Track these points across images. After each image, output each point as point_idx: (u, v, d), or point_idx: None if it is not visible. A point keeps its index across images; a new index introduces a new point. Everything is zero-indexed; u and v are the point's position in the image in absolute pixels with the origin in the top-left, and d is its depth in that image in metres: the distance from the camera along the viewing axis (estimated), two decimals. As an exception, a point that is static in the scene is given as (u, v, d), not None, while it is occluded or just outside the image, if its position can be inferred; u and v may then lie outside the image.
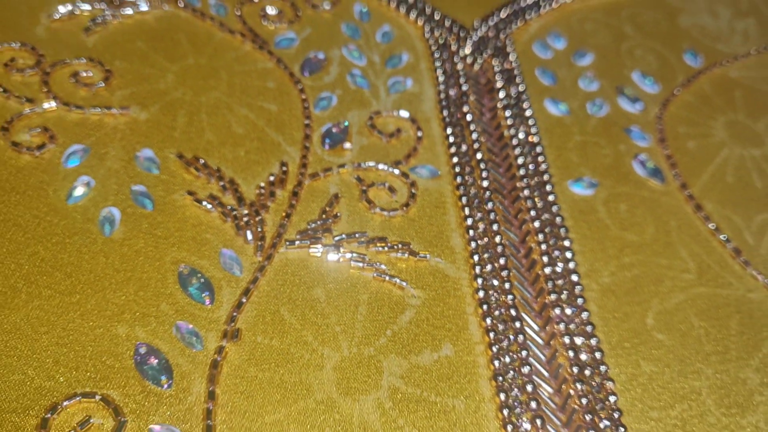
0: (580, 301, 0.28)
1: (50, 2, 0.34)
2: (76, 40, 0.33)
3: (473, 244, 0.29)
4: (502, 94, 0.35)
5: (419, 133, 0.33)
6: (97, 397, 0.23)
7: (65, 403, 0.22)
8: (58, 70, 0.32)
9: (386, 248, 0.28)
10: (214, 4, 0.36)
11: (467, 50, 0.37)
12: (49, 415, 0.22)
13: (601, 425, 0.25)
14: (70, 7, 0.34)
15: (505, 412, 0.24)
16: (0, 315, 0.24)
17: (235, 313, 0.25)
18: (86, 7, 0.34)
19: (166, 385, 0.23)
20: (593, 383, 0.26)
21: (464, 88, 0.35)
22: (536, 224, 0.30)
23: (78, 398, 0.23)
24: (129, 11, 0.35)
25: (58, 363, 0.23)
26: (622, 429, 0.25)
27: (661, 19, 0.42)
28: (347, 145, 0.32)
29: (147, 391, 0.23)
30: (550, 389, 0.25)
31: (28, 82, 0.31)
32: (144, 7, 0.35)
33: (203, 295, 0.25)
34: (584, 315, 0.27)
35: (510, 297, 0.27)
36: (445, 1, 0.39)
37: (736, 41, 0.42)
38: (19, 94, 0.30)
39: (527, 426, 0.24)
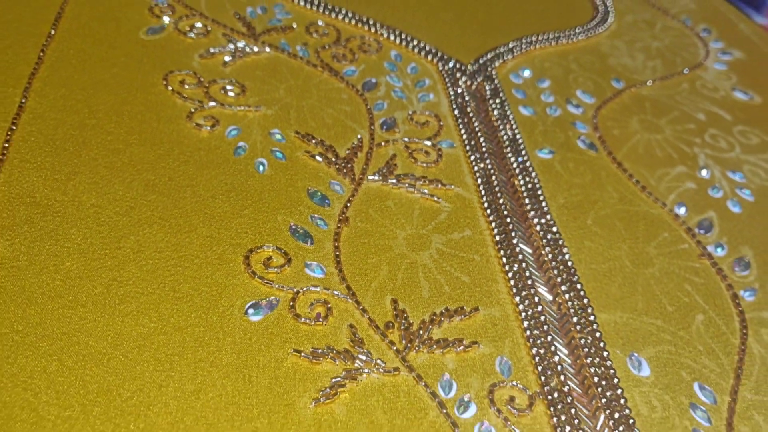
0: (545, 209, 0.46)
1: (199, 47, 0.53)
2: (218, 69, 0.52)
3: (479, 181, 0.48)
4: (491, 103, 0.55)
5: (440, 123, 0.52)
6: (272, 247, 0.41)
7: (257, 249, 0.40)
8: (212, 86, 0.50)
9: (426, 182, 0.47)
10: (300, 49, 0.56)
11: (467, 77, 0.57)
12: (248, 253, 0.40)
13: (561, 267, 0.43)
14: (212, 50, 0.53)
15: (504, 260, 0.43)
16: (208, 210, 0.42)
17: (344, 211, 0.44)
18: (221, 49, 0.53)
19: (309, 243, 0.41)
20: (555, 249, 0.44)
21: (467, 98, 0.54)
22: (516, 171, 0.49)
23: (264, 247, 0.40)
24: (249, 51, 0.54)
25: (247, 233, 0.41)
26: (574, 269, 0.43)
27: (596, 60, 0.63)
28: (397, 129, 0.51)
29: (299, 247, 0.41)
30: (529, 250, 0.44)
31: (195, 92, 0.50)
32: (256, 50, 0.54)
33: (324, 202, 0.44)
34: (548, 217, 0.46)
35: (503, 206, 0.46)
36: (450, 48, 0.59)
37: (647, 73, 0.62)
38: (192, 98, 0.49)
39: (516, 267, 0.42)
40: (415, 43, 0.58)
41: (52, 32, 0.50)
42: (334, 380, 0.34)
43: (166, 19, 0.54)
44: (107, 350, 0.33)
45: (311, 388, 0.34)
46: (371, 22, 0.59)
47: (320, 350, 0.35)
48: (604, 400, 0.36)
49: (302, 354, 0.35)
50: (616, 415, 0.35)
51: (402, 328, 0.37)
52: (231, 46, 0.53)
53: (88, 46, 0.50)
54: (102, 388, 0.32)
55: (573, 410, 0.35)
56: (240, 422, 0.32)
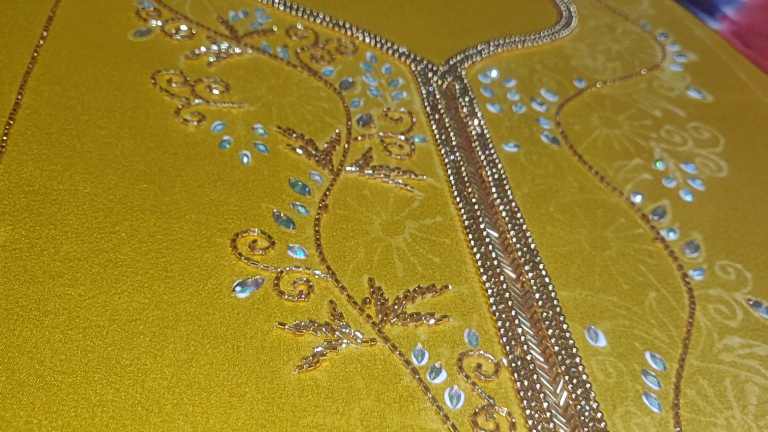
0: (510, 197, 0.50)
1: (184, 48, 0.56)
2: (203, 69, 0.55)
3: (449, 172, 0.51)
4: (461, 101, 0.58)
5: (413, 119, 0.55)
6: (257, 231, 0.44)
7: (243, 233, 0.43)
8: (198, 84, 0.54)
9: (400, 173, 0.50)
10: (281, 51, 0.59)
11: (438, 76, 0.60)
12: (235, 237, 0.43)
13: (525, 249, 0.46)
14: (197, 51, 0.56)
15: (472, 243, 0.46)
16: (197, 198, 0.45)
17: (323, 199, 0.47)
18: (206, 50, 0.56)
19: (292, 228, 0.44)
20: (520, 234, 0.48)
21: (438, 97, 0.58)
22: (484, 163, 0.52)
23: (250, 231, 0.43)
24: (232, 52, 0.57)
25: (233, 219, 0.44)
26: (537, 251, 0.46)
27: (559, 62, 0.67)
28: (372, 125, 0.54)
29: (282, 231, 0.44)
30: (495, 234, 0.47)
31: (182, 90, 0.53)
32: (239, 51, 0.57)
33: (305, 190, 0.47)
34: (513, 204, 0.50)
35: (471, 195, 0.49)
36: (422, 50, 0.63)
37: (607, 74, 0.67)
38: (179, 96, 0.52)
39: (483, 249, 0.46)
40: (389, 45, 0.61)
41: (45, 34, 0.53)
42: (315, 350, 0.37)
43: (153, 22, 0.57)
44: (105, 324, 0.36)
45: (295, 357, 0.37)
46: (347, 25, 0.62)
47: (303, 323, 0.38)
48: (563, 368, 0.39)
49: (286, 327, 0.38)
50: (575, 381, 0.39)
51: (378, 303, 0.40)
52: (215, 47, 0.56)
53: (79, 47, 0.53)
54: (102, 357, 0.35)
55: (535, 376, 0.39)
56: (230, 387, 0.35)
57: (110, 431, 0.32)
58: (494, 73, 0.62)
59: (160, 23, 0.57)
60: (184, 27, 0.57)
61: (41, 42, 0.52)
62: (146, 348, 0.36)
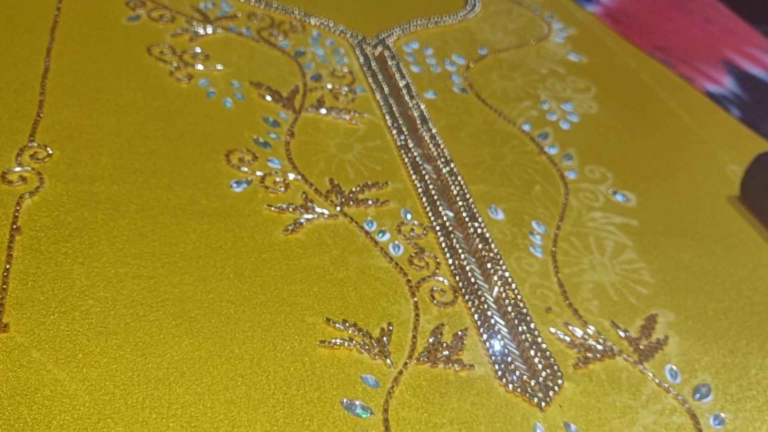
0: (431, 126, 0.67)
1: (169, 30, 0.71)
2: (186, 44, 0.70)
3: (384, 111, 0.67)
4: (390, 63, 0.75)
5: (354, 77, 0.72)
6: (244, 150, 0.59)
7: (233, 151, 0.58)
8: (185, 54, 0.69)
9: (347, 112, 0.66)
10: (245, 30, 0.75)
11: (371, 47, 0.77)
12: (228, 153, 0.58)
13: (443, 159, 0.63)
14: (179, 31, 0.71)
15: (404, 156, 0.62)
16: (195, 131, 0.60)
17: (290, 129, 0.62)
18: (186, 30, 0.72)
19: (268, 148, 0.60)
20: (438, 150, 0.64)
21: (372, 61, 0.75)
22: (410, 105, 0.69)
23: (238, 150, 0.59)
24: (207, 31, 0.72)
25: (225, 142, 0.59)
26: (452, 160, 0.63)
27: (466, 37, 0.84)
28: (322, 80, 0.70)
29: (261, 151, 0.60)
30: (421, 150, 0.64)
31: (172, 59, 0.68)
32: (211, 31, 0.73)
33: (276, 124, 0.63)
34: (434, 131, 0.66)
35: (402, 125, 0.66)
36: (357, 28, 0.80)
37: (505, 44, 0.84)
38: (170, 62, 0.67)
39: (412, 161, 0.62)
40: (330, 25, 0.77)
41: (57, 20, 0.67)
42: (295, 221, 0.53)
43: (140, 11, 0.71)
44: (139, 209, 0.51)
45: (281, 226, 0.52)
46: (296, 11, 0.78)
47: (284, 205, 0.54)
48: (472, 230, 0.56)
49: (273, 208, 0.53)
50: (480, 238, 0.55)
51: (338, 193, 0.56)
52: (192, 28, 0.71)
53: (86, 29, 0.67)
54: (137, 232, 0.49)
55: (452, 235, 0.55)
56: (237, 244, 0.50)
57: (149, 273, 0.47)
58: (415, 45, 0.78)
59: (146, 11, 0.71)
60: (166, 14, 0.72)
61: (55, 24, 0.66)
62: (171, 221, 0.50)
